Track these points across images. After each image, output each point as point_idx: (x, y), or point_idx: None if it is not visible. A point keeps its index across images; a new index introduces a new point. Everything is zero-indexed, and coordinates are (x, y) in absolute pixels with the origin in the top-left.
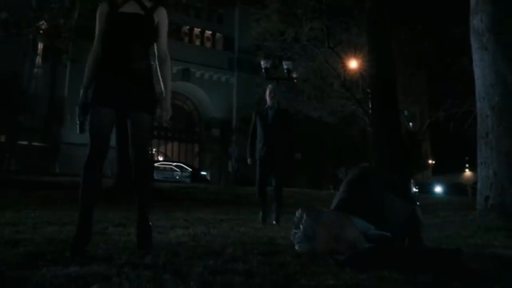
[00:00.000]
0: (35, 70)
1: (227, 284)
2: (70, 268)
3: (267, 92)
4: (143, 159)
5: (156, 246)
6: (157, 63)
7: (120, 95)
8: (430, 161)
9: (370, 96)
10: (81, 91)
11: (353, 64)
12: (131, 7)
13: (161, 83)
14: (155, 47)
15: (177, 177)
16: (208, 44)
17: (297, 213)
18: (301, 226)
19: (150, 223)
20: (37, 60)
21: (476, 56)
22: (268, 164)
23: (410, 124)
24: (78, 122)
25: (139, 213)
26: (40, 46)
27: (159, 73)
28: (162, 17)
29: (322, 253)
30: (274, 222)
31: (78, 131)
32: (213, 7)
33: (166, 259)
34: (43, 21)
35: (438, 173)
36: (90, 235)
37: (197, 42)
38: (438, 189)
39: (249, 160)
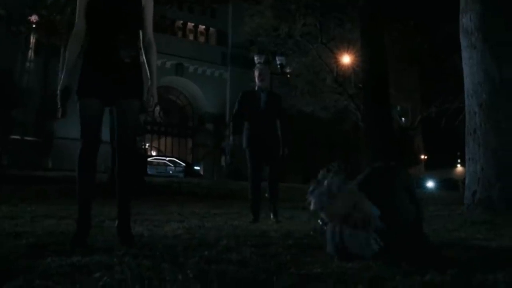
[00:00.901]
0: (27, 64)
1: (221, 272)
2: (73, 258)
3: (256, 74)
4: (129, 148)
5: (153, 239)
6: (142, 49)
7: (107, 84)
8: (422, 156)
9: (362, 91)
10: (63, 74)
11: (345, 59)
12: None
13: (147, 69)
14: (141, 33)
15: (171, 172)
16: (201, 39)
17: (322, 172)
18: (325, 182)
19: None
20: (29, 54)
21: (465, 55)
22: (261, 155)
23: (403, 119)
24: (59, 106)
25: (120, 206)
26: (32, 40)
27: (144, 59)
28: (148, 1)
29: (336, 216)
30: (272, 218)
31: (59, 115)
32: (209, 5)
33: (163, 250)
34: (35, 15)
35: (431, 168)
36: (90, 228)
37: (191, 37)
38: (430, 184)
39: (231, 139)
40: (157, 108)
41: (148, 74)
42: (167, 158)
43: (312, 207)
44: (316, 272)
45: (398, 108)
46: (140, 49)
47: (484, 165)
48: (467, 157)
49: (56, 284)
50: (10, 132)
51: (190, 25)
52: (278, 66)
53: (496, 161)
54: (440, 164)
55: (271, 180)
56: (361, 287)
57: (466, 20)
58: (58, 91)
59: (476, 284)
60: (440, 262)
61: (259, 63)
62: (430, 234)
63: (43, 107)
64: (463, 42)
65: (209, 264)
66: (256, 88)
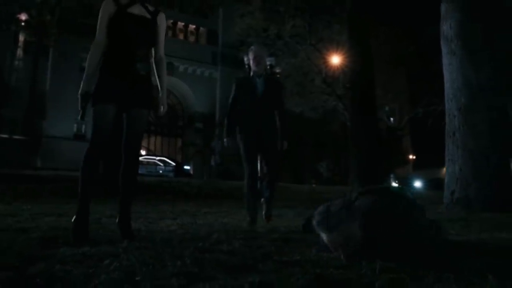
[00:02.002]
0: (16, 62)
1: (214, 260)
2: (82, 248)
3: (251, 56)
4: (136, 152)
5: (150, 233)
6: (153, 64)
7: (123, 93)
8: (411, 156)
9: (349, 91)
10: (84, 80)
11: (334, 60)
12: (137, 9)
13: (158, 82)
14: (153, 49)
15: (161, 171)
16: (191, 38)
17: (337, 201)
18: (328, 220)
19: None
20: (18, 52)
21: (445, 61)
22: (258, 148)
23: (391, 119)
24: (80, 109)
25: (122, 204)
26: (21, 38)
27: (155, 73)
28: (162, 21)
29: (336, 244)
30: (264, 219)
31: (79, 118)
32: (202, 9)
33: (161, 242)
34: (24, 14)
35: (419, 168)
36: (88, 222)
37: (181, 36)
38: (417, 184)
39: (225, 141)
40: None
41: (159, 86)
42: (157, 158)
43: (315, 229)
44: (295, 259)
45: (387, 108)
46: (152, 63)
47: (462, 166)
48: (446, 158)
49: (73, 268)
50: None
51: (181, 24)
52: (268, 67)
53: (473, 162)
54: (428, 164)
55: (269, 175)
56: (332, 270)
57: (447, 28)
58: (79, 95)
59: (423, 271)
60: (405, 253)
61: (247, 64)
62: None
63: (32, 106)
64: (444, 48)
65: (203, 253)
66: (251, 74)
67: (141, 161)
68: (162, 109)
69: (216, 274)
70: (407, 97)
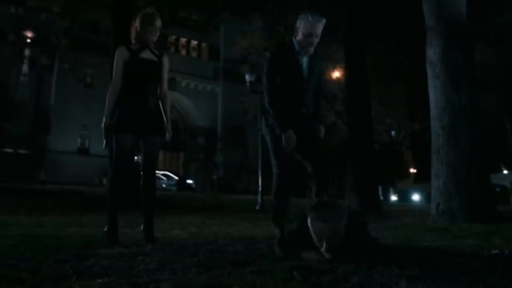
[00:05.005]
0: (22, 78)
1: (222, 257)
2: (118, 249)
3: (304, 30)
4: (153, 172)
5: (167, 239)
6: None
7: (139, 124)
8: (411, 169)
9: (345, 108)
10: (106, 114)
11: (333, 77)
12: (147, 54)
13: (163, 114)
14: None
15: (164, 185)
16: (194, 54)
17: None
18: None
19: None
20: (23, 68)
21: (430, 83)
22: (300, 148)
23: (393, 132)
24: (104, 139)
25: (146, 214)
26: (27, 54)
27: (161, 106)
28: (166, 62)
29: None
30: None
31: (103, 146)
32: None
33: (179, 246)
34: (29, 31)
35: (421, 180)
36: (118, 229)
37: (183, 52)
38: (416, 196)
39: (284, 138)
40: None
41: (164, 117)
42: (160, 172)
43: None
44: (286, 257)
45: (388, 122)
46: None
47: (446, 180)
48: (432, 173)
49: (115, 262)
50: (4, 145)
51: (183, 40)
52: None
53: (455, 177)
54: (429, 177)
55: (319, 185)
56: (310, 264)
57: (431, 53)
58: (103, 128)
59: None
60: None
61: (249, 81)
62: (390, 238)
63: (36, 121)
64: (429, 72)
65: (213, 253)
66: (297, 48)
67: None
68: (168, 136)
69: (224, 266)
70: (406, 112)
